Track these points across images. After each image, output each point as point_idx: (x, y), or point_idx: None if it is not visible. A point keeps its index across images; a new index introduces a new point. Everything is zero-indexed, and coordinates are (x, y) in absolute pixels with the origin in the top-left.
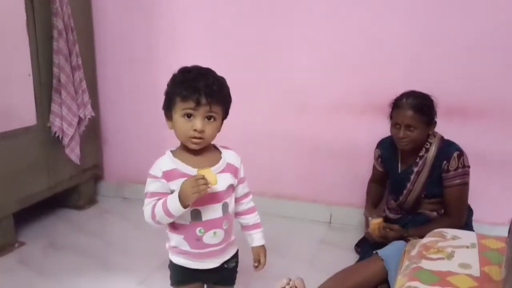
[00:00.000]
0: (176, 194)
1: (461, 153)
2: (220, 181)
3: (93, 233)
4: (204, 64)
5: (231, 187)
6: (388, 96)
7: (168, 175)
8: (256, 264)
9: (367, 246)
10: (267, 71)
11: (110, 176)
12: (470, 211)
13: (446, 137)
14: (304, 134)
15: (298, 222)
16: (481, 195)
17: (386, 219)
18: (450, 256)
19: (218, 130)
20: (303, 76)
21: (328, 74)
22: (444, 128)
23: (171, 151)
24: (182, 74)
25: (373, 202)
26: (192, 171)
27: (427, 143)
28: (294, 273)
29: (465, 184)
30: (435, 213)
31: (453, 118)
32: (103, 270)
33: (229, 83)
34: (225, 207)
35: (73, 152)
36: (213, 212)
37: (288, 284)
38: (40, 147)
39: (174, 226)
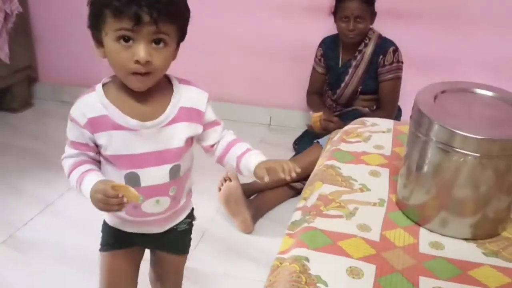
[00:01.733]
0: (90, 185)
1: (396, 49)
2: (170, 136)
3: (31, 135)
4: None
5: (190, 140)
6: None
7: (95, 124)
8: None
9: (304, 142)
10: None
11: (46, 78)
12: (399, 111)
13: None
14: (245, 35)
15: (238, 124)
16: (411, 95)
17: None
18: (367, 139)
19: (172, 57)
20: None
21: None
22: (378, 28)
23: (103, 86)
24: None
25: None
26: (132, 123)
27: (366, 38)
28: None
29: (398, 79)
30: (367, 109)
31: (386, 20)
32: (45, 169)
33: None
34: (174, 170)
35: (2, 50)
36: (156, 177)
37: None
38: None
39: None
